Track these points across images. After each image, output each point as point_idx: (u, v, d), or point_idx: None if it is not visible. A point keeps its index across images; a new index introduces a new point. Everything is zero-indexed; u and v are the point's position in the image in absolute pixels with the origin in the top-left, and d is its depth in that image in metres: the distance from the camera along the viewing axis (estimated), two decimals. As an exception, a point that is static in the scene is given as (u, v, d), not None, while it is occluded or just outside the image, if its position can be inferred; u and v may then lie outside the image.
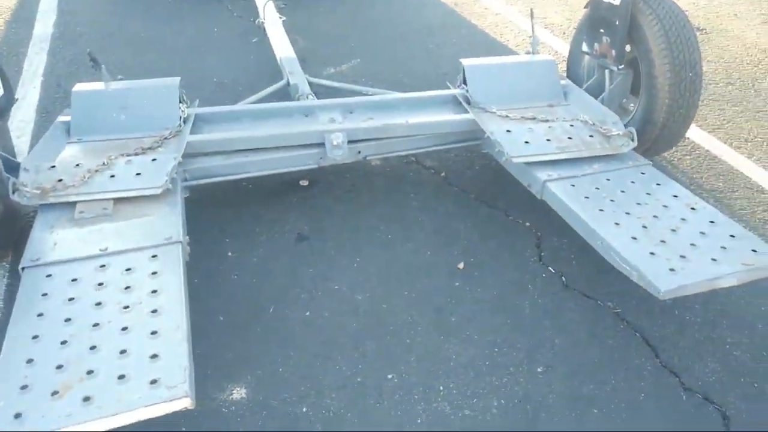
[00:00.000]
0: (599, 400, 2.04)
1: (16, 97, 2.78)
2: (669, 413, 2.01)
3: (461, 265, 2.58)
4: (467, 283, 2.49)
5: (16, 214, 2.55)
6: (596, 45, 3.09)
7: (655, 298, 2.04)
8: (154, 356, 1.71)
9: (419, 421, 1.96)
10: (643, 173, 2.63)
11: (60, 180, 2.34)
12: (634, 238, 2.22)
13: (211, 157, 2.73)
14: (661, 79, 2.79)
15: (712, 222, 2.32)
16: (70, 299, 1.91)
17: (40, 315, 1.85)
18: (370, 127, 2.84)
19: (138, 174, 2.41)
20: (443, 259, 2.61)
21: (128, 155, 2.50)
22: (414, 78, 4.13)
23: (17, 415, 1.54)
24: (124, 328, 1.80)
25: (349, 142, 2.78)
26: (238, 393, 2.02)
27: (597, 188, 2.51)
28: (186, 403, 1.60)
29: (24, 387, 1.62)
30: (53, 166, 2.41)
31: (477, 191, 3.03)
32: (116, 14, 4.98)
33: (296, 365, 2.12)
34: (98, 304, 1.89)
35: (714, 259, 2.11)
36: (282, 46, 3.79)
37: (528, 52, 3.31)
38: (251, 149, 2.77)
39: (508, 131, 2.77)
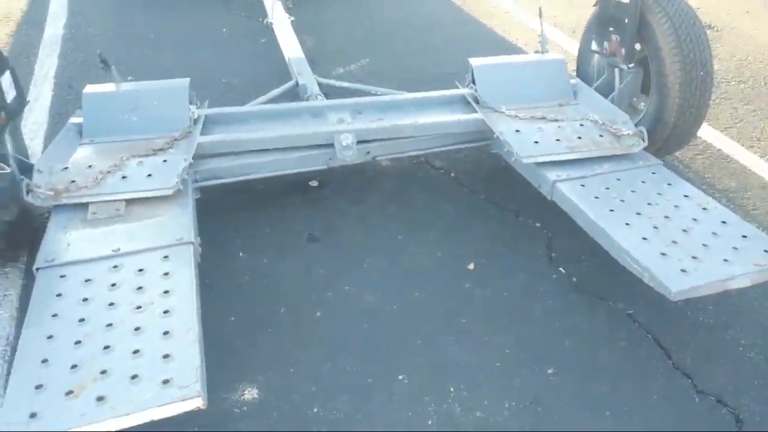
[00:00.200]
0: (611, 402, 2.03)
1: (28, 99, 2.80)
2: (681, 415, 2.00)
3: (471, 266, 2.58)
4: (478, 285, 2.49)
5: (30, 215, 2.57)
6: (606, 43, 3.08)
7: (667, 300, 2.03)
8: (167, 356, 1.72)
9: (430, 422, 1.96)
10: (653, 173, 2.62)
11: (73, 181, 2.36)
12: (645, 239, 2.21)
13: (222, 158, 2.74)
14: (671, 77, 2.77)
15: (723, 222, 2.30)
16: (84, 299, 1.92)
17: (54, 315, 1.86)
18: (379, 128, 2.84)
19: (149, 175, 2.42)
20: (453, 260, 2.61)
21: (139, 156, 2.52)
22: (422, 77, 4.13)
23: (32, 415, 1.56)
24: (137, 329, 1.82)
25: (359, 142, 2.78)
26: (249, 393, 2.03)
27: (607, 188, 2.50)
28: (198, 403, 1.61)
29: (39, 387, 1.63)
30: (66, 168, 2.43)
31: (487, 192, 3.03)
32: (125, 15, 5.01)
33: (307, 366, 2.13)
34: (111, 304, 1.91)
35: (726, 260, 2.10)
36: (290, 47, 3.80)
37: (537, 51, 3.31)
38: (261, 150, 2.78)
39: (517, 131, 2.77)
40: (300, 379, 2.08)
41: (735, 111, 3.84)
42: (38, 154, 3.04)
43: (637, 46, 2.96)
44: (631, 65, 2.99)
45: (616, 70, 3.09)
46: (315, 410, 1.98)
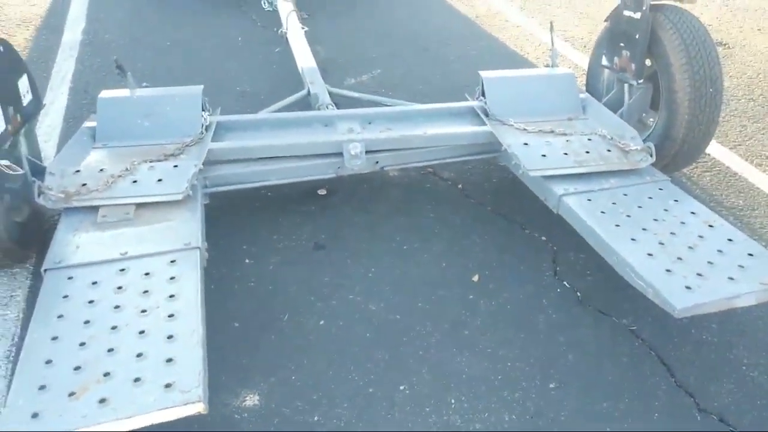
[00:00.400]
0: (612, 419, 2.03)
1: (44, 102, 2.85)
2: (683, 433, 1.99)
3: (476, 278, 2.58)
4: (482, 296, 2.49)
5: (41, 216, 2.61)
6: (616, 59, 3.08)
7: (672, 317, 2.02)
8: (170, 360, 1.74)
9: (430, 432, 1.97)
10: (661, 189, 2.62)
11: (84, 184, 2.40)
12: (651, 255, 2.20)
13: (232, 165, 2.77)
14: (681, 94, 2.77)
15: (730, 240, 2.30)
16: (90, 302, 1.95)
17: (60, 316, 1.89)
18: (388, 138, 2.86)
19: (160, 180, 2.45)
20: (458, 271, 2.62)
21: (151, 161, 2.55)
22: (433, 89, 4.15)
23: (34, 415, 1.58)
24: (142, 332, 1.84)
25: (367, 152, 2.80)
26: (251, 399, 2.04)
27: (614, 203, 2.50)
28: (199, 407, 1.63)
29: (42, 387, 1.65)
30: (78, 171, 2.46)
31: (494, 204, 3.04)
32: (143, 23, 5.09)
33: (309, 373, 2.14)
34: (117, 307, 1.93)
35: (731, 278, 2.09)
36: (304, 56, 3.84)
37: (547, 65, 3.32)
38: (271, 158, 2.80)
39: (525, 144, 2.78)
40: (302, 386, 2.09)
41: (744, 128, 3.83)
42: (52, 157, 3.09)
43: (648, 62, 2.96)
44: (641, 81, 2.99)
45: (626, 85, 3.10)
46: (316, 418, 1.99)
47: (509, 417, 2.02)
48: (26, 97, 2.61)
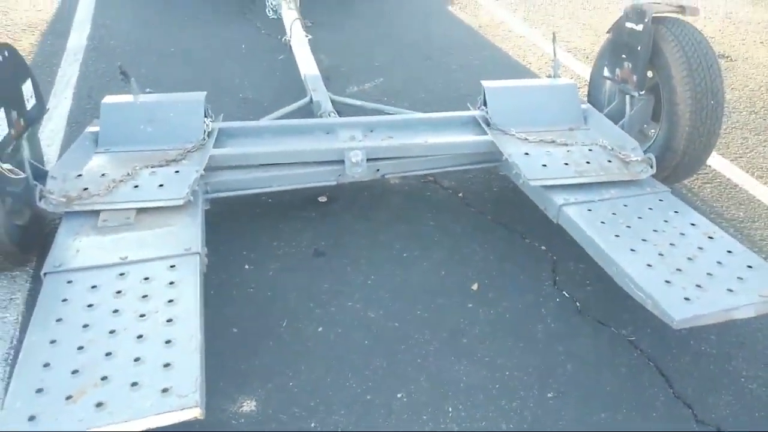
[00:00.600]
0: (610, 429, 2.02)
1: (47, 107, 2.86)
2: (681, 445, 1.99)
3: (475, 287, 2.58)
4: (481, 305, 2.49)
5: (42, 220, 2.62)
6: (618, 70, 3.10)
7: (671, 328, 2.02)
8: (167, 365, 1.74)
9: (427, 441, 1.96)
10: (661, 200, 2.62)
11: (85, 189, 2.41)
12: (650, 266, 2.20)
13: (233, 171, 2.78)
14: (682, 106, 2.78)
15: (729, 252, 2.29)
16: (89, 306, 1.95)
17: (59, 320, 1.89)
18: (389, 146, 2.87)
19: (161, 185, 2.46)
20: (458, 279, 2.62)
21: (152, 167, 2.56)
22: (435, 98, 4.17)
23: (31, 418, 1.58)
24: (140, 336, 1.84)
25: (368, 160, 2.81)
26: (248, 405, 2.04)
27: (614, 214, 2.50)
28: (196, 413, 1.63)
29: (39, 390, 1.65)
30: (80, 175, 2.48)
31: (494, 213, 3.04)
32: (149, 28, 5.12)
33: (307, 380, 2.14)
34: (116, 311, 1.93)
35: (730, 290, 2.09)
36: (307, 64, 3.86)
37: (549, 76, 3.33)
38: (272, 164, 2.81)
39: (526, 154, 2.78)
40: (299, 392, 2.09)
41: (745, 141, 3.83)
42: (54, 161, 3.11)
43: (649, 74, 2.98)
44: (642, 92, 3.00)
45: (627, 96, 3.11)
46: (313, 425, 1.99)
47: (506, 426, 2.01)
48: (30, 102, 2.63)
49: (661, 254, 2.27)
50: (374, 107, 3.54)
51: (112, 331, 1.86)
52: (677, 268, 2.20)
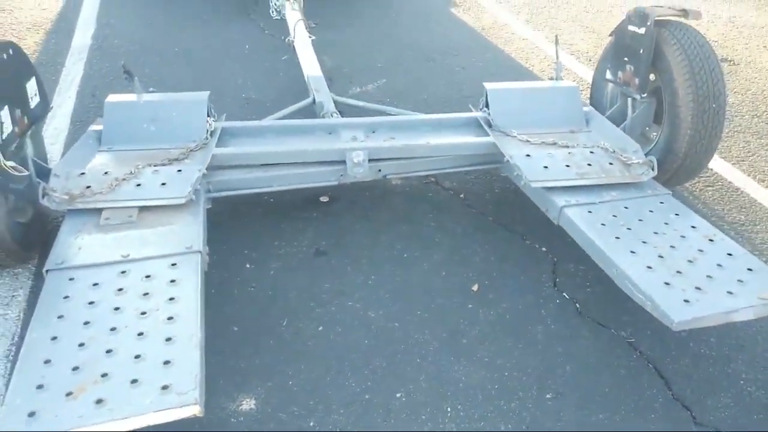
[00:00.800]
0: (609, 431, 2.02)
1: (51, 105, 2.88)
2: (679, 447, 1.99)
3: (475, 287, 2.59)
4: (481, 306, 2.50)
5: (45, 217, 2.63)
6: (620, 73, 3.10)
7: (670, 330, 2.02)
8: (167, 362, 1.75)
9: (425, 441, 1.97)
10: (662, 203, 2.62)
11: (88, 187, 2.42)
12: (650, 268, 2.21)
13: (235, 171, 2.79)
14: (683, 109, 2.78)
15: (729, 254, 2.30)
16: (91, 303, 1.96)
17: (60, 317, 1.90)
18: (391, 147, 2.88)
19: (163, 184, 2.47)
20: (458, 280, 2.62)
21: (155, 165, 2.57)
22: (437, 99, 4.18)
23: (31, 414, 1.59)
24: (140, 334, 1.85)
25: (370, 160, 2.81)
26: (248, 404, 2.05)
27: (614, 216, 2.51)
28: (195, 410, 1.63)
29: (40, 386, 1.66)
30: (83, 173, 2.49)
31: (495, 214, 3.05)
32: (153, 28, 5.14)
33: (306, 379, 2.15)
34: (117, 308, 1.94)
35: (730, 292, 2.09)
36: (310, 65, 3.87)
37: (552, 78, 3.33)
38: (274, 164, 2.82)
39: (527, 155, 2.79)
40: (299, 391, 2.10)
41: (748, 144, 3.83)
42: (57, 159, 3.12)
43: (651, 77, 2.98)
44: (644, 95, 3.01)
45: (629, 99, 3.11)
46: (311, 424, 2.00)
47: (505, 426, 2.01)
48: (34, 100, 2.64)
49: (661, 256, 2.27)
50: (376, 108, 3.54)
51: (113, 329, 1.86)
52: (677, 270, 2.20)
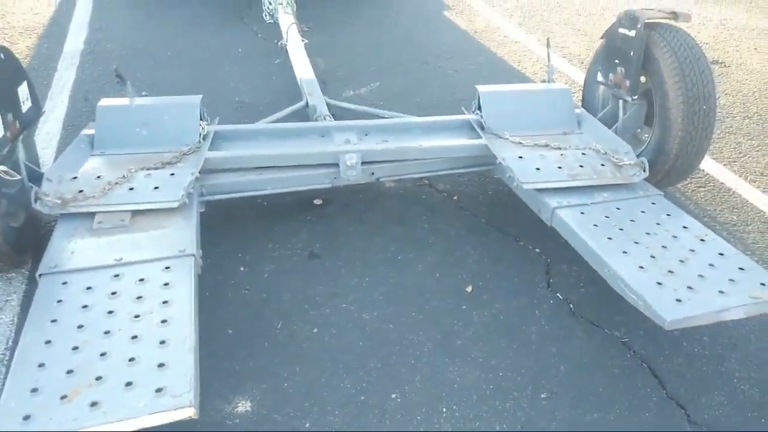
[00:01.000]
0: (603, 430, 2.03)
1: (43, 109, 2.87)
2: (673, 445, 2.00)
3: (469, 289, 2.59)
4: (475, 307, 2.50)
5: (37, 222, 2.63)
6: (611, 75, 3.12)
7: (663, 329, 2.03)
8: (162, 365, 1.75)
9: (420, 442, 1.97)
10: (653, 203, 2.64)
11: (81, 191, 2.41)
12: (642, 268, 2.22)
13: (228, 174, 2.79)
14: (674, 110, 2.80)
15: (721, 254, 2.31)
16: (84, 307, 1.95)
17: (53, 321, 1.90)
18: (384, 150, 2.89)
19: (156, 188, 2.47)
20: (452, 281, 2.63)
21: (148, 169, 2.57)
22: (430, 102, 4.19)
23: (26, 417, 1.58)
24: (134, 337, 1.84)
25: (363, 163, 2.83)
26: (243, 406, 2.04)
27: (606, 217, 2.52)
28: (190, 412, 1.63)
29: (34, 390, 1.66)
30: (75, 177, 2.48)
31: (488, 216, 3.06)
32: (145, 32, 5.14)
33: (301, 381, 2.15)
34: (110, 312, 1.94)
35: (721, 292, 2.10)
36: (303, 68, 3.88)
37: (544, 81, 3.35)
38: (267, 167, 2.82)
39: (520, 157, 2.80)
40: (294, 393, 2.10)
41: (739, 145, 3.86)
42: (50, 164, 3.11)
43: (642, 79, 3.00)
44: (635, 97, 3.03)
45: (621, 101, 3.13)
46: (307, 425, 2.00)
47: (500, 426, 2.02)
48: (25, 104, 2.64)
49: (653, 256, 2.29)
50: (369, 111, 3.55)
51: (106, 332, 1.86)
52: (669, 270, 2.21)
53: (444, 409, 2.07)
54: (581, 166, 2.77)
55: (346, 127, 3.03)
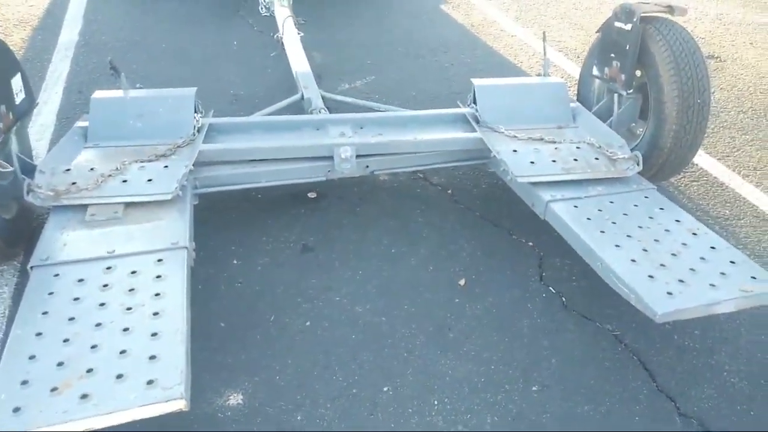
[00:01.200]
0: (593, 422, 2.04)
1: (37, 101, 2.86)
2: (663, 438, 2.01)
3: (462, 282, 2.60)
4: (467, 300, 2.51)
5: (30, 214, 2.62)
6: (606, 69, 3.12)
7: (654, 322, 2.04)
8: (153, 357, 1.75)
9: (412, 434, 1.98)
10: (646, 197, 2.64)
11: (74, 183, 2.41)
12: (634, 261, 2.22)
13: (222, 166, 2.78)
14: (669, 104, 2.80)
15: (712, 248, 2.32)
16: (76, 299, 1.95)
17: (45, 313, 1.89)
18: (378, 143, 2.88)
19: (149, 180, 2.47)
20: (445, 275, 2.63)
21: (141, 161, 2.56)
22: (426, 96, 4.18)
23: (16, 409, 1.58)
24: (126, 329, 1.84)
25: (358, 156, 2.82)
26: (235, 399, 2.05)
27: (600, 210, 2.52)
28: (180, 405, 1.63)
29: (25, 382, 1.66)
30: (68, 170, 2.48)
31: (482, 209, 3.06)
32: (140, 25, 5.11)
33: (293, 374, 2.15)
34: (102, 304, 1.94)
35: (713, 285, 2.11)
36: (299, 61, 3.86)
37: (539, 74, 3.35)
38: (262, 160, 2.82)
39: (514, 151, 2.80)
40: (286, 386, 2.10)
41: (733, 140, 3.87)
42: (43, 156, 3.10)
43: (637, 73, 3.00)
44: (630, 91, 3.03)
45: (616, 95, 3.13)
46: (299, 418, 2.00)
47: (491, 419, 2.03)
48: (19, 96, 2.62)
49: (645, 250, 2.29)
50: (365, 104, 3.55)
51: (98, 324, 1.86)
52: (661, 263, 2.22)
53: (436, 402, 2.08)
54: (575, 159, 2.77)
55: (341, 120, 3.02)
